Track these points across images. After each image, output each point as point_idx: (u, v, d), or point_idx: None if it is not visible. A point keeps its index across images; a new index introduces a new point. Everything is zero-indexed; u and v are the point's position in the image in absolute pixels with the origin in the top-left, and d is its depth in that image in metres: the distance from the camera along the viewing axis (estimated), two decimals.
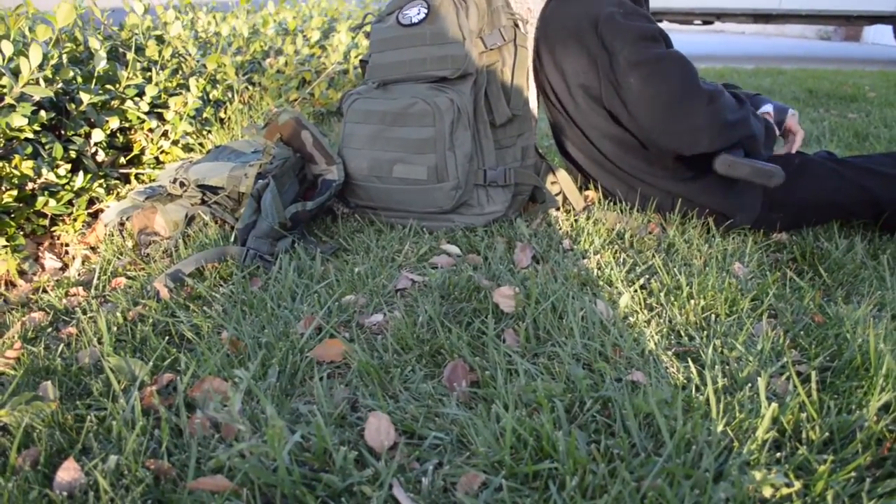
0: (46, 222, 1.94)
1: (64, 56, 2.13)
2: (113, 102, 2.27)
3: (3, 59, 1.74)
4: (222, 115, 2.92)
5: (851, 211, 1.80)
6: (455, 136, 1.76)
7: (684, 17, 7.66)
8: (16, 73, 1.78)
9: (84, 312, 1.49)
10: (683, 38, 11.39)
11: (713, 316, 1.40)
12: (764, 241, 1.80)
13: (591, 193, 2.10)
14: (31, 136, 1.86)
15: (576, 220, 1.93)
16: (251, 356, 1.27)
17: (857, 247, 1.73)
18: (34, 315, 1.51)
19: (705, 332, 1.34)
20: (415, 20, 1.80)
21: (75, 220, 1.99)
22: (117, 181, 2.27)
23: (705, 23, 7.87)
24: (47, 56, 1.92)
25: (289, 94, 3.25)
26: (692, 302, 1.43)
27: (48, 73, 1.93)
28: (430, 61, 1.79)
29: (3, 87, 1.83)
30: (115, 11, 2.87)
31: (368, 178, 1.88)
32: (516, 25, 1.87)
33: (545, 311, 1.37)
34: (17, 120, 1.71)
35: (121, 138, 2.37)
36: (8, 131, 1.74)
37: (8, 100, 1.75)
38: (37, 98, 1.83)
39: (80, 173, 1.97)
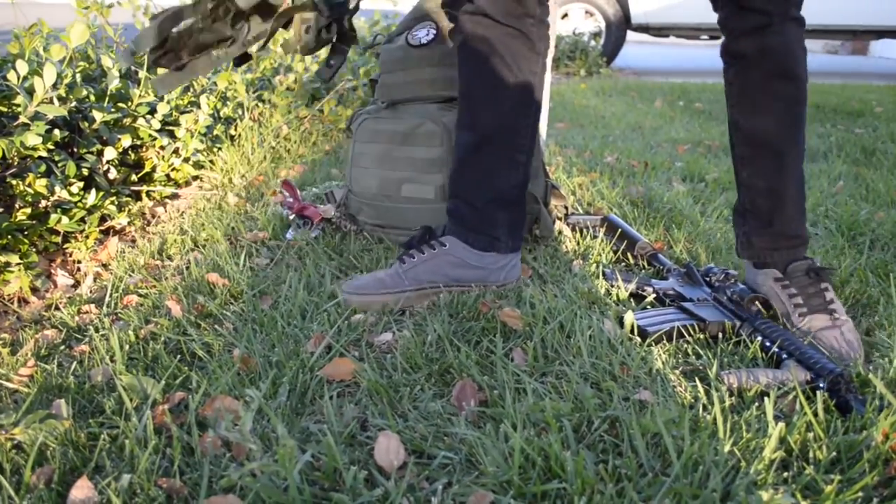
0: (59, 239, 1.96)
1: (77, 75, 2.16)
2: (125, 120, 2.29)
3: (18, 79, 1.76)
4: (233, 132, 2.95)
5: None
6: None
7: (692, 32, 7.68)
8: (30, 92, 1.81)
9: (96, 330, 1.51)
10: (691, 54, 11.42)
11: (721, 334, 1.40)
12: None
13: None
14: (44, 154, 1.88)
15: (583, 238, 1.95)
16: (262, 375, 1.28)
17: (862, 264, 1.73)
18: (47, 332, 1.52)
19: (712, 351, 1.35)
20: (423, 41, 1.82)
21: (87, 237, 2.01)
22: (129, 198, 2.29)
23: (713, 38, 7.89)
24: (61, 75, 1.95)
25: (299, 110, 3.28)
26: None
27: (62, 91, 1.95)
28: (438, 82, 1.81)
29: (18, 105, 1.85)
30: (128, 29, 2.90)
31: (377, 197, 1.90)
32: None
33: (553, 329, 1.38)
34: (32, 139, 1.73)
35: (132, 156, 2.40)
36: (22, 150, 1.77)
37: (22, 119, 1.77)
38: (50, 117, 1.86)
39: (93, 191, 1.99)
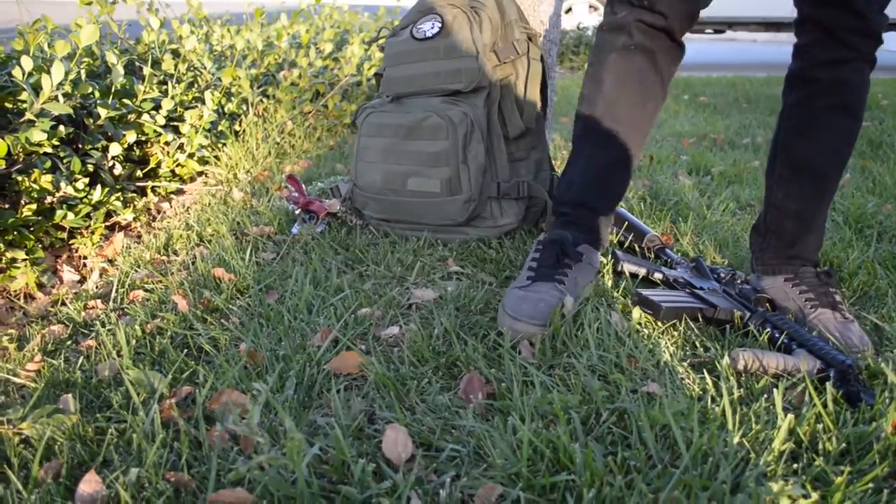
0: (64, 235, 1.96)
1: (82, 71, 2.16)
2: (130, 116, 2.29)
3: (23, 75, 1.76)
4: (237, 127, 2.94)
5: None
6: (468, 149, 1.78)
7: (696, 25, 7.65)
8: (35, 89, 1.81)
9: (103, 325, 1.51)
10: (695, 47, 11.39)
11: (727, 326, 1.40)
12: None
13: None
14: (49, 150, 1.88)
15: None
16: (269, 369, 1.28)
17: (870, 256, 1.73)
18: (53, 328, 1.52)
19: (720, 343, 1.35)
20: (429, 34, 1.82)
21: (93, 233, 2.01)
22: (134, 194, 2.29)
23: (717, 32, 7.87)
24: (66, 72, 1.95)
25: (303, 106, 3.27)
26: None
27: (67, 88, 1.95)
28: (443, 75, 1.81)
29: (24, 102, 1.85)
30: (132, 25, 2.90)
31: (382, 191, 1.90)
32: (530, 39, 1.88)
33: (560, 322, 1.38)
34: (37, 135, 1.73)
35: (137, 152, 2.40)
36: (27, 146, 1.77)
37: (28, 115, 1.77)
38: (56, 113, 1.85)
39: (98, 187, 1.99)
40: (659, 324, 1.41)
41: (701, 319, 1.42)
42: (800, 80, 1.48)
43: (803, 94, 1.47)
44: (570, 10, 7.49)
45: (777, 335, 1.32)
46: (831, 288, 1.47)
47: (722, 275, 1.60)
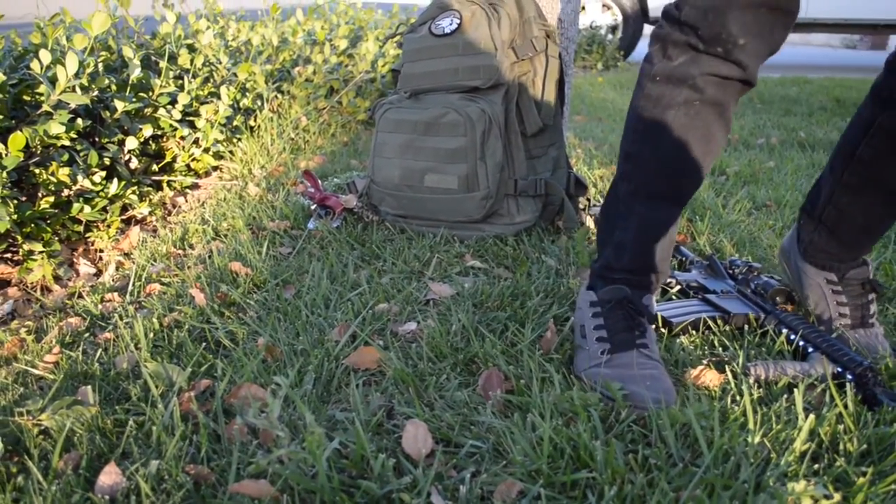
0: (81, 228, 1.97)
1: (100, 64, 2.16)
2: (146, 110, 2.29)
3: (41, 68, 1.77)
4: (252, 123, 2.95)
5: None
6: (486, 145, 1.77)
7: None
8: (53, 82, 1.81)
9: (120, 318, 1.51)
10: None
11: (746, 326, 1.39)
12: None
13: None
14: (67, 143, 1.89)
15: None
16: (287, 363, 1.28)
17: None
18: (71, 320, 1.53)
19: (738, 343, 1.34)
20: (447, 30, 1.81)
21: (109, 226, 2.01)
22: (150, 188, 2.30)
23: None
24: (83, 64, 1.95)
25: (317, 102, 3.27)
26: None
27: (84, 81, 1.96)
28: (461, 71, 1.80)
29: (41, 95, 1.86)
30: (148, 20, 2.91)
31: (399, 187, 1.89)
32: (548, 36, 1.88)
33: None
34: (55, 128, 1.74)
35: (153, 146, 2.40)
36: (45, 139, 1.77)
37: (45, 107, 1.77)
38: (73, 105, 1.86)
39: (115, 180, 2.00)
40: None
41: (718, 325, 1.41)
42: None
43: None
44: (583, 8, 7.47)
45: (793, 336, 1.31)
46: (871, 296, 1.39)
47: (738, 268, 1.58)
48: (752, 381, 1.19)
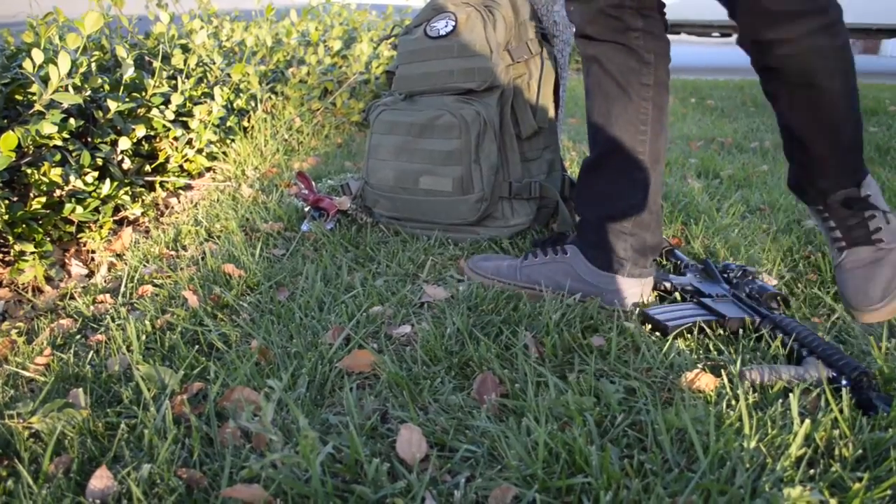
0: (73, 229, 1.96)
1: (93, 64, 2.15)
2: (139, 111, 2.28)
3: (34, 67, 1.76)
4: (246, 123, 2.94)
5: None
6: (481, 148, 1.77)
7: (702, 29, 7.64)
8: (45, 81, 1.80)
9: (112, 320, 1.50)
10: (702, 51, 11.38)
11: (741, 330, 1.39)
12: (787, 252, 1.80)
13: None
14: (59, 143, 1.88)
15: None
16: (280, 366, 1.27)
17: None
18: (62, 322, 1.52)
19: (733, 347, 1.34)
20: (442, 32, 1.81)
21: (101, 227, 2.00)
22: (143, 189, 2.29)
23: (723, 35, 7.85)
24: (76, 63, 1.94)
25: (311, 103, 3.27)
26: None
27: (77, 80, 1.94)
28: (457, 73, 1.80)
29: (34, 94, 1.85)
30: (141, 20, 2.90)
31: (394, 189, 1.89)
32: (544, 38, 1.87)
33: (573, 324, 1.37)
34: (47, 127, 1.72)
35: (146, 146, 2.39)
36: (37, 138, 1.76)
37: (37, 107, 1.76)
38: (66, 105, 1.85)
39: (107, 181, 1.99)
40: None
41: (713, 329, 1.40)
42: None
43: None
44: None
45: (787, 340, 1.31)
46: (867, 213, 1.41)
47: (732, 272, 1.58)
48: (747, 385, 1.18)
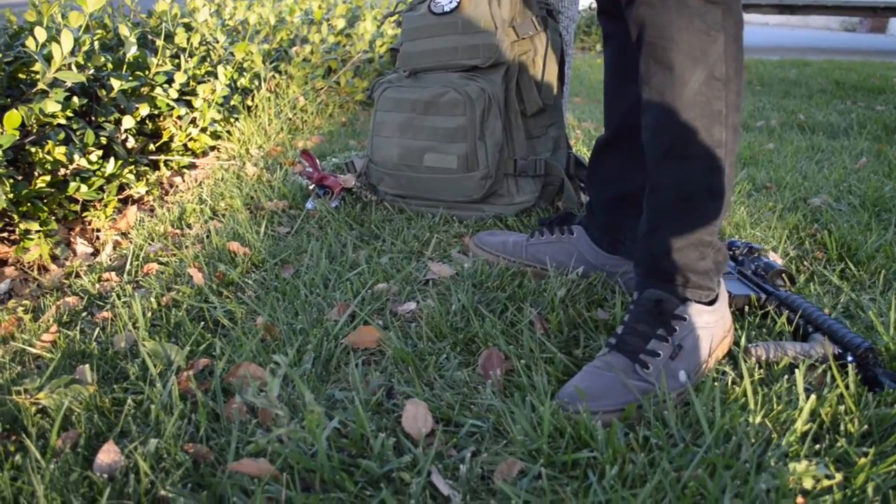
0: (78, 208, 1.96)
1: (96, 43, 2.14)
2: (143, 89, 2.28)
3: (37, 46, 1.75)
4: (249, 102, 2.93)
5: None
6: (486, 125, 1.76)
7: None
8: (48, 60, 1.79)
9: (118, 297, 1.50)
10: None
11: (747, 307, 1.39)
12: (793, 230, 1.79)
13: None
14: (63, 122, 1.88)
15: None
16: (286, 342, 1.27)
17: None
18: (68, 299, 1.52)
19: (739, 324, 1.34)
20: (447, 9, 1.80)
21: (106, 205, 2.00)
22: (147, 168, 2.28)
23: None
24: (79, 42, 1.93)
25: (315, 82, 3.26)
26: None
27: (80, 59, 1.94)
28: (461, 50, 1.79)
29: (37, 73, 1.84)
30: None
31: (399, 167, 1.88)
32: (549, 14, 1.86)
33: (578, 301, 1.37)
34: (51, 106, 1.72)
35: (150, 125, 2.39)
36: (41, 117, 1.76)
37: (41, 85, 1.76)
38: (69, 84, 1.84)
39: (111, 159, 1.98)
40: None
41: None
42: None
43: None
44: None
45: (793, 317, 1.31)
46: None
47: (738, 248, 1.58)
48: (752, 361, 1.18)
